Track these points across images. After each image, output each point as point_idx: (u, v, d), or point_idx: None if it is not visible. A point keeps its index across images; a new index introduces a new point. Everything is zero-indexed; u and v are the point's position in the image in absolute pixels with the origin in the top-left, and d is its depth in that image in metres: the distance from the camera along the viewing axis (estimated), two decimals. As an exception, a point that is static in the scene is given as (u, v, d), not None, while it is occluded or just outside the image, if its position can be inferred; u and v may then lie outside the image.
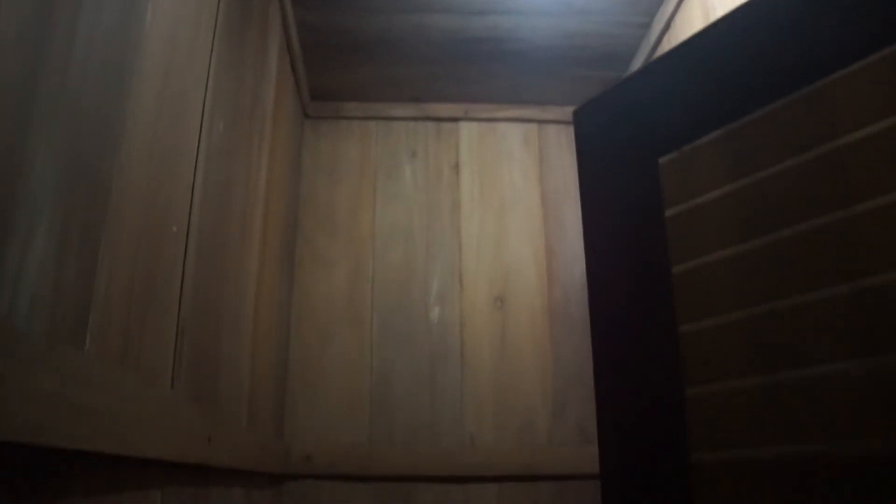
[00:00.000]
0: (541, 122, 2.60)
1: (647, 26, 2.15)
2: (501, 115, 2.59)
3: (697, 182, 1.34)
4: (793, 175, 1.14)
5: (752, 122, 1.23)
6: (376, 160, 2.56)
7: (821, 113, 1.11)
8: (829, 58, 1.11)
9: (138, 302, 0.97)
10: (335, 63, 2.37)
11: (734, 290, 1.23)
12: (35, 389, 0.67)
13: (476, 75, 2.44)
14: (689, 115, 1.37)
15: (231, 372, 1.50)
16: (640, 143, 1.47)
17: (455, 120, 2.59)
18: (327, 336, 2.35)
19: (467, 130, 2.59)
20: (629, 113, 1.52)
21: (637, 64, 2.30)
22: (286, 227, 2.24)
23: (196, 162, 1.22)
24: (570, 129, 2.59)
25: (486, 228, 2.49)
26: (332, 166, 2.54)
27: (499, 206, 2.51)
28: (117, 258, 0.90)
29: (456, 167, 2.55)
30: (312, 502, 2.22)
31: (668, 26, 2.03)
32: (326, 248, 2.44)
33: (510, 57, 2.34)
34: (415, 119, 2.59)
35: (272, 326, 2.01)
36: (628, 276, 1.49)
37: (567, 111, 2.58)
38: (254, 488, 1.78)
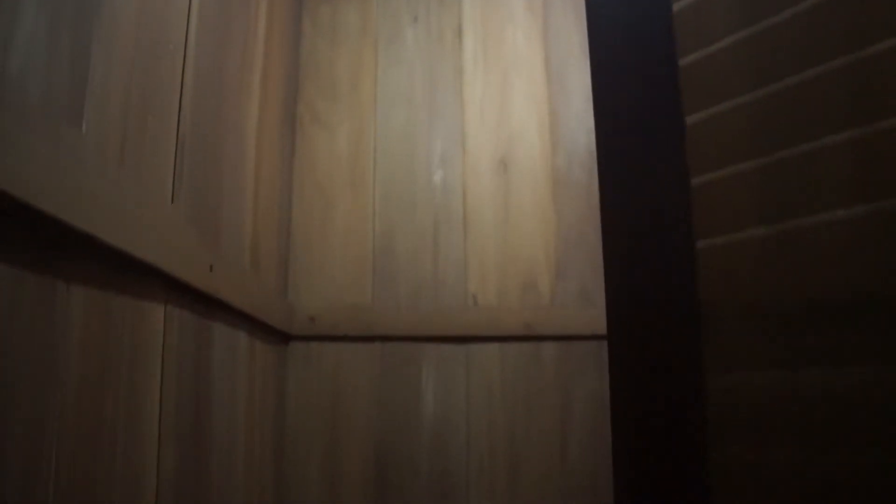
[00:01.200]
0: (545, -16, 2.53)
1: None
2: (505, -23, 2.53)
3: (713, 28, 1.30)
4: (807, 18, 1.11)
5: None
6: (377, 24, 2.50)
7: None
8: None
9: (136, 106, 0.96)
10: (334, -82, 2.29)
11: (748, 139, 1.21)
12: (31, 151, 0.66)
13: (479, -67, 2.36)
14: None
15: (232, 212, 1.49)
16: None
17: (457, -17, 2.53)
18: (329, 199, 2.34)
19: (470, -6, 2.53)
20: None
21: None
22: (286, 90, 2.20)
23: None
24: (576, -8, 2.52)
25: (490, 93, 2.45)
26: (332, 31, 2.49)
27: (502, 71, 2.47)
28: (112, 54, 0.88)
29: (458, 31, 2.50)
30: (317, 363, 2.25)
31: None
32: (328, 112, 2.41)
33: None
34: (416, -18, 2.53)
35: (274, 187, 1.99)
36: (639, 130, 1.46)
37: (573, -27, 2.51)
38: (259, 339, 1.79)
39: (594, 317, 2.27)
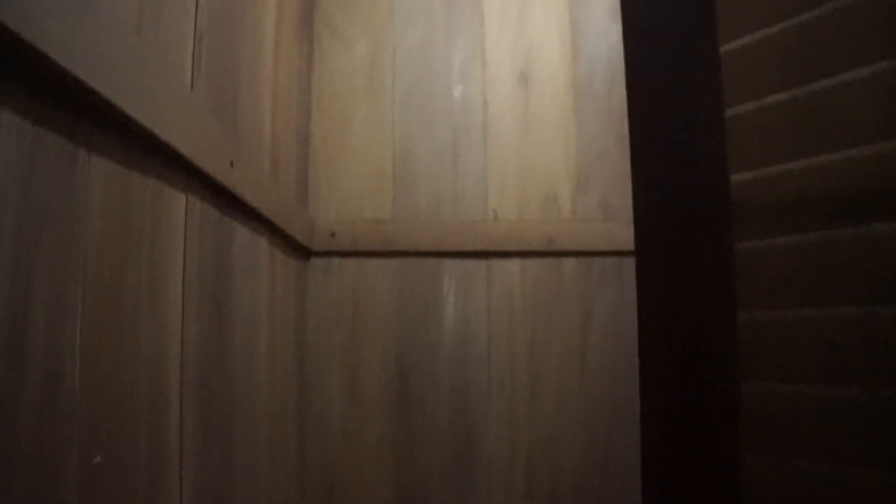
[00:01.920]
0: None
1: None
2: None
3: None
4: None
5: None
6: (394, -64, 2.45)
7: None
8: None
9: (152, -18, 0.94)
10: None
11: (780, 68, 1.16)
12: (54, 5, 0.65)
13: None
14: None
15: (250, 115, 1.48)
16: None
17: None
18: (348, 114, 2.32)
19: None
20: None
21: None
22: (303, 4, 2.16)
23: None
24: None
25: (509, 4, 2.40)
26: (348, -56, 2.44)
27: (522, -18, 2.41)
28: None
29: (477, -58, 2.44)
30: (337, 279, 2.25)
31: None
32: (345, 26, 2.37)
33: None
34: None
35: (291, 99, 1.97)
36: (671, 53, 1.41)
37: None
38: (279, 250, 1.79)
39: (616, 231, 2.26)
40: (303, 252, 2.14)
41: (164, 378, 0.99)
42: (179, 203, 1.05)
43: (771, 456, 1.12)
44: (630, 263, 2.21)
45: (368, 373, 2.22)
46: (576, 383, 2.22)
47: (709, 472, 1.19)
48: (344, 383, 2.21)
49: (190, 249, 1.09)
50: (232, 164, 1.24)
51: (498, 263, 2.26)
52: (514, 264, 2.26)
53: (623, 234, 2.25)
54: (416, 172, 2.30)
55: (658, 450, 1.34)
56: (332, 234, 2.23)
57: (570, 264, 2.27)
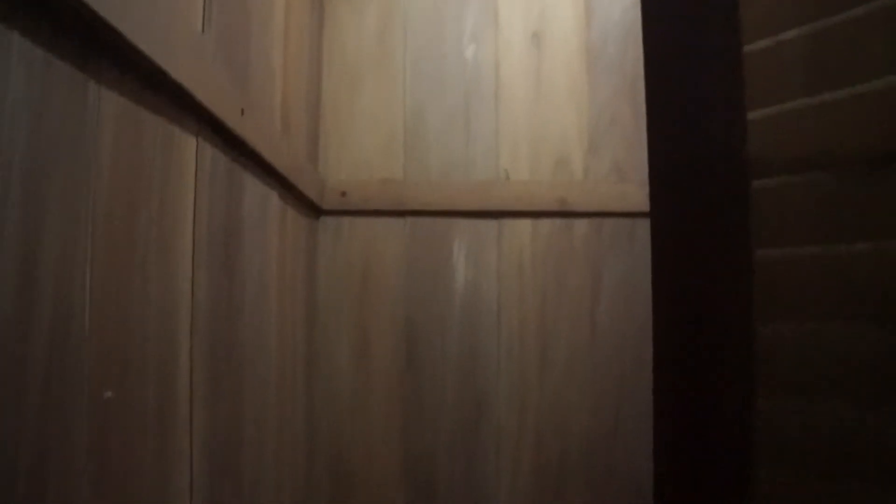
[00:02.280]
0: None
1: None
2: None
3: None
4: None
5: None
6: None
7: None
8: None
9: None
10: None
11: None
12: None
13: None
14: None
15: (261, 66, 1.47)
16: None
17: None
18: (359, 75, 2.30)
19: None
20: None
21: None
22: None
23: None
24: None
25: (523, -36, 2.37)
26: None
27: (536, -59, 2.39)
28: None
29: None
30: (348, 238, 2.24)
31: None
32: (356, -14, 2.35)
33: None
34: None
35: (302, 57, 1.96)
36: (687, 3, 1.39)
37: None
38: (290, 206, 1.78)
39: (628, 192, 2.24)
40: (313, 211, 2.13)
41: (174, 323, 0.99)
42: (190, 146, 1.05)
43: (786, 399, 1.11)
44: (642, 225, 2.20)
45: (378, 336, 2.22)
46: (586, 347, 2.22)
47: (722, 418, 1.18)
48: (353, 346, 2.21)
49: (201, 196, 1.09)
50: (243, 111, 1.24)
51: (509, 224, 2.25)
52: (525, 225, 2.25)
53: (636, 195, 2.24)
54: (427, 134, 2.28)
55: (671, 399, 1.33)
56: (343, 194, 2.22)
57: (581, 225, 2.26)
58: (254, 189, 1.42)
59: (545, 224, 2.25)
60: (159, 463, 0.94)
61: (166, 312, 0.96)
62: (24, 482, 0.63)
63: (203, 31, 1.09)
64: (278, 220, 1.66)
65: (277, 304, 1.66)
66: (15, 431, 0.62)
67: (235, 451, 1.29)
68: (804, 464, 1.07)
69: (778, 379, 1.11)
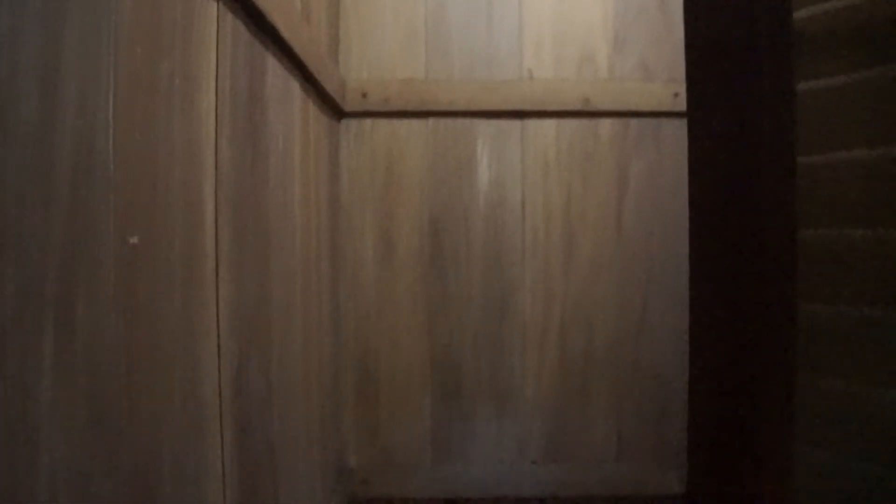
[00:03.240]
0: None
1: None
2: None
3: None
4: None
5: None
6: None
7: None
8: None
9: None
10: None
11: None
12: None
13: None
14: None
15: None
16: None
17: None
18: (380, -28, 2.26)
19: None
20: None
21: None
22: None
23: None
24: None
25: None
26: None
27: None
28: None
29: None
30: (370, 140, 2.23)
31: None
32: None
33: None
34: None
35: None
36: None
37: None
38: (312, 102, 1.77)
39: (654, 91, 2.21)
40: (335, 112, 2.11)
41: (198, 178, 0.99)
42: (211, 8, 1.03)
43: (828, 303, 1.10)
44: (668, 124, 2.17)
45: (402, 235, 2.21)
46: (611, 244, 2.21)
47: (765, 322, 1.17)
48: (377, 245, 2.21)
49: (222, 61, 1.07)
50: (265, -14, 1.21)
51: (533, 124, 2.23)
52: (549, 125, 2.22)
53: (661, 93, 2.20)
54: (449, 32, 2.24)
55: (709, 304, 1.32)
56: (364, 95, 2.20)
57: (606, 125, 2.23)
58: (276, 72, 1.41)
59: (570, 124, 2.23)
60: (186, 322, 0.94)
61: (190, 166, 0.96)
62: (52, 314, 0.64)
63: None
64: (301, 115, 1.65)
65: (301, 202, 1.65)
66: (40, 266, 0.62)
67: (264, 328, 1.30)
68: (842, 366, 1.07)
69: (822, 283, 1.10)
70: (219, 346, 1.05)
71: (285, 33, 1.38)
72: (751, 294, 1.19)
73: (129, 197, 0.78)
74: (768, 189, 1.18)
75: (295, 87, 1.58)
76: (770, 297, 1.16)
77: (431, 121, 2.22)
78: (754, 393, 1.19)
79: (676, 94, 2.17)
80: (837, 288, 1.07)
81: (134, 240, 0.80)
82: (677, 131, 2.18)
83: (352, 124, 2.22)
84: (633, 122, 2.23)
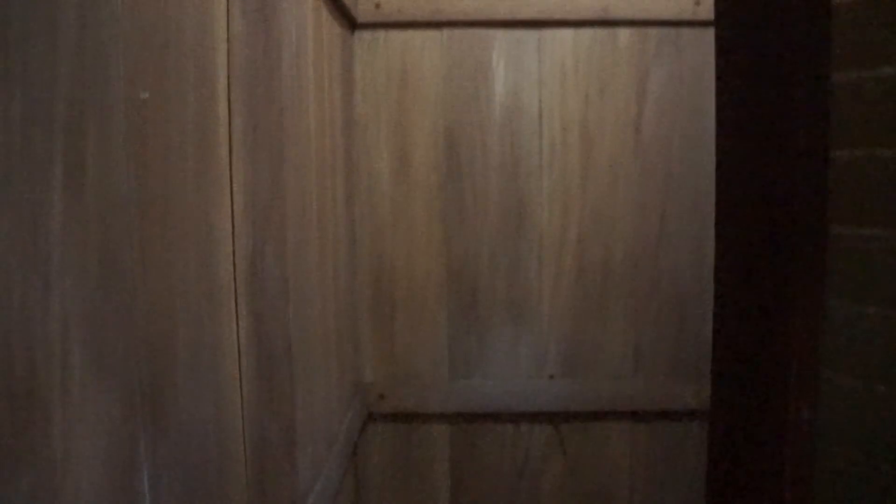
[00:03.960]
0: None
1: None
2: None
3: None
4: None
5: None
6: None
7: None
8: None
9: None
10: None
11: None
12: None
13: None
14: None
15: None
16: None
17: None
18: None
19: None
20: None
21: None
22: None
23: None
24: None
25: None
26: None
27: None
28: None
29: None
30: (384, 52, 2.18)
31: None
32: None
33: None
34: None
35: None
36: None
37: None
38: (326, 9, 1.72)
39: (674, 0, 2.14)
40: (348, 23, 2.07)
41: (210, 51, 0.96)
42: None
43: (860, 226, 1.07)
44: (689, 33, 2.12)
45: (417, 148, 2.18)
46: (629, 157, 2.17)
47: (794, 242, 1.13)
48: (392, 157, 2.18)
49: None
50: None
51: (549, 34, 2.17)
52: (566, 34, 2.17)
53: (682, 1, 2.14)
54: (463, -62, 2.18)
55: (735, 219, 1.28)
56: (377, 5, 2.15)
57: (624, 34, 2.17)
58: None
59: (587, 32, 2.17)
60: (199, 191, 0.92)
61: (202, 32, 0.93)
62: (62, 147, 0.61)
63: None
64: (313, 22, 1.60)
65: (316, 102, 1.62)
66: (48, 94, 0.60)
67: (278, 221, 1.28)
68: (871, 289, 1.04)
69: (853, 205, 1.06)
70: (233, 221, 1.03)
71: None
72: (780, 215, 1.15)
73: (139, 49, 0.76)
74: (799, 109, 1.14)
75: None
76: (799, 218, 1.12)
77: (446, 31, 2.17)
78: (781, 313, 1.16)
79: (698, 3, 2.11)
80: (868, 210, 1.04)
81: (145, 95, 0.77)
82: (698, 41, 2.13)
83: (365, 36, 2.17)
84: (653, 31, 2.18)
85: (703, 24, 2.10)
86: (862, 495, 1.02)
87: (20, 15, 0.56)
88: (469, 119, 2.17)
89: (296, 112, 1.43)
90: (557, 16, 2.15)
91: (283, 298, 1.31)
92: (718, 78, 1.28)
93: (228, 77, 1.01)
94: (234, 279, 1.04)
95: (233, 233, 1.03)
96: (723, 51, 1.28)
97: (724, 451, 1.37)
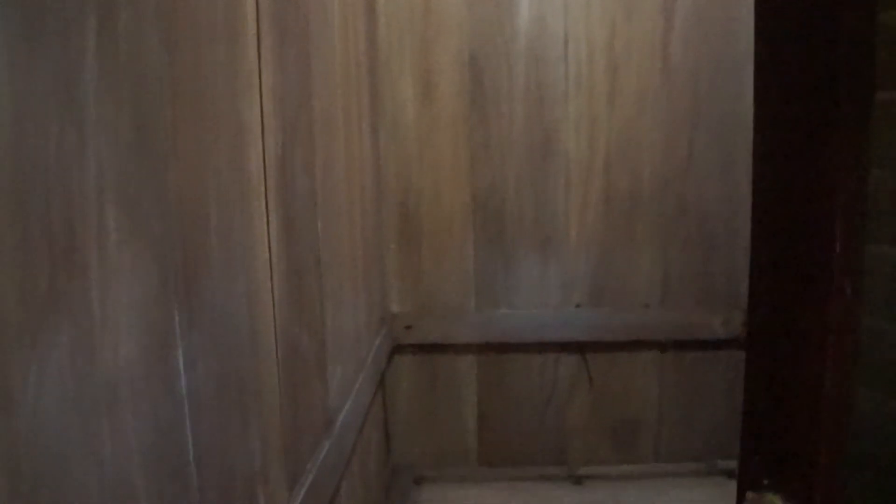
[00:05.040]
0: None
1: None
2: None
3: None
4: None
5: None
6: None
7: None
8: None
9: None
10: None
11: None
12: None
13: None
14: None
15: None
16: None
17: None
18: None
19: None
20: None
21: None
22: None
23: None
24: None
25: None
26: None
27: None
28: None
29: None
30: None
31: None
32: None
33: None
34: None
35: None
36: None
37: None
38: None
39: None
40: (370, -52, 2.04)
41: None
42: None
43: None
44: (719, -48, 2.07)
45: (441, 75, 2.16)
46: (657, 81, 2.14)
47: (831, 180, 1.10)
48: (417, 85, 2.16)
49: None
50: None
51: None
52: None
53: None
54: None
55: (774, 153, 1.24)
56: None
57: (652, -40, 2.13)
58: None
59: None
60: (229, 78, 0.91)
61: None
62: (95, 19, 0.60)
63: None
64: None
65: (340, 29, 1.60)
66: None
67: (306, 128, 1.27)
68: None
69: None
70: (262, 122, 1.02)
71: None
72: (818, 146, 1.12)
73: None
74: (845, 44, 1.10)
75: None
76: (836, 156, 1.09)
77: (469, -45, 2.14)
78: (822, 242, 1.13)
79: (728, -77, 2.07)
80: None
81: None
82: (728, -37, 2.09)
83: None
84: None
85: (734, -56, 2.06)
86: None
87: None
88: (494, 46, 2.14)
89: (322, 27, 1.41)
90: (583, -62, 2.11)
91: (312, 209, 1.30)
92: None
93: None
94: (265, 180, 1.03)
95: (262, 133, 1.02)
96: (761, 68, 1.25)
97: (762, 378, 1.35)
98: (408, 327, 2.21)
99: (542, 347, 2.24)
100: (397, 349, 2.24)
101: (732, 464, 2.30)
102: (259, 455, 1.00)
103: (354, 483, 1.68)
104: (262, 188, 1.02)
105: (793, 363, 1.23)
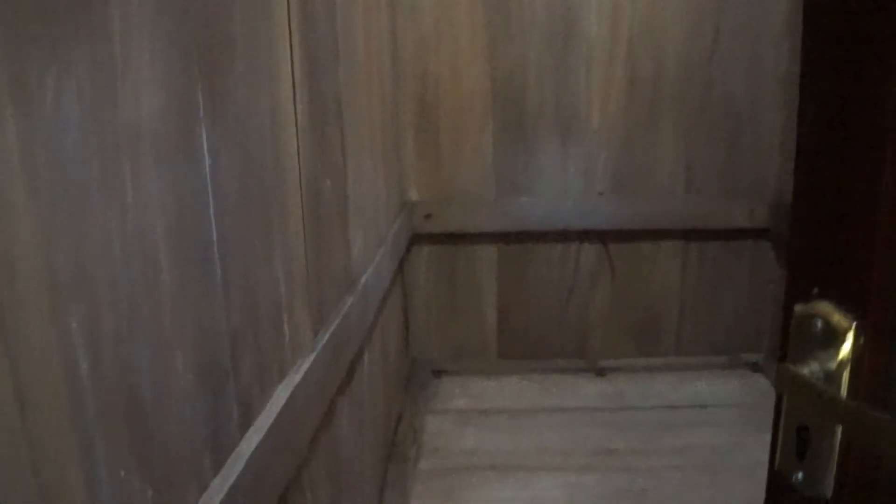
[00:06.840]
0: None
1: None
2: None
3: None
4: None
5: None
6: None
7: None
8: None
9: None
10: None
11: None
12: None
13: None
14: None
15: None
16: None
17: None
18: None
19: None
20: None
21: None
22: None
23: None
24: None
25: None
26: None
27: None
28: None
29: None
30: None
31: None
32: None
33: None
34: None
35: None
36: None
37: None
38: None
39: None
40: None
41: None
42: None
43: None
44: None
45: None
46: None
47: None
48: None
49: None
50: None
51: None
52: None
53: None
54: None
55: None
56: None
57: None
58: None
59: None
60: None
61: None
62: None
63: None
64: None
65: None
66: None
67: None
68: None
69: None
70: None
71: None
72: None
73: None
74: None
75: None
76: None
77: None
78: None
79: None
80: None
81: None
82: None
83: None
84: None
85: None
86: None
87: None
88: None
89: None
90: None
91: (334, 54, 1.27)
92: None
93: None
94: (287, 4, 0.99)
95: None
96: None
97: (813, 186, 1.31)
98: (427, 216, 2.18)
99: (564, 236, 2.21)
100: (416, 239, 2.21)
101: (755, 357, 2.29)
102: (284, 284, 0.98)
103: (375, 358, 1.66)
104: (286, 10, 0.98)
105: (847, 165, 1.18)
